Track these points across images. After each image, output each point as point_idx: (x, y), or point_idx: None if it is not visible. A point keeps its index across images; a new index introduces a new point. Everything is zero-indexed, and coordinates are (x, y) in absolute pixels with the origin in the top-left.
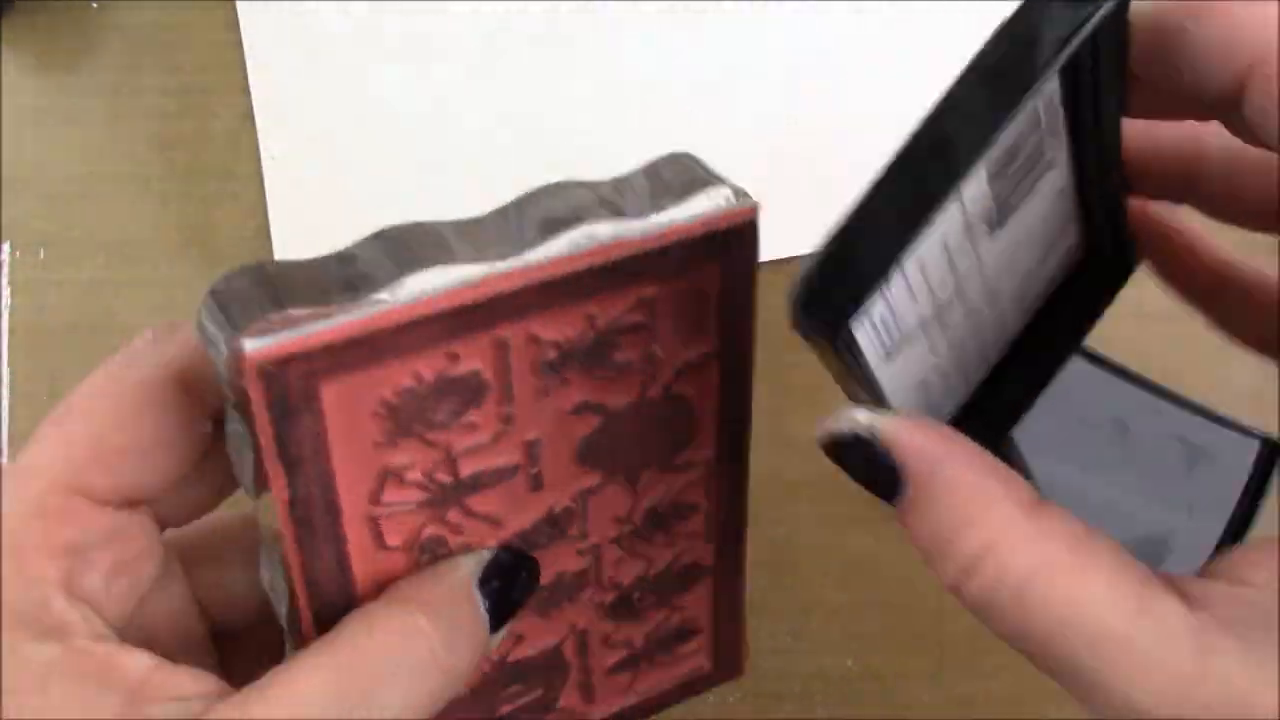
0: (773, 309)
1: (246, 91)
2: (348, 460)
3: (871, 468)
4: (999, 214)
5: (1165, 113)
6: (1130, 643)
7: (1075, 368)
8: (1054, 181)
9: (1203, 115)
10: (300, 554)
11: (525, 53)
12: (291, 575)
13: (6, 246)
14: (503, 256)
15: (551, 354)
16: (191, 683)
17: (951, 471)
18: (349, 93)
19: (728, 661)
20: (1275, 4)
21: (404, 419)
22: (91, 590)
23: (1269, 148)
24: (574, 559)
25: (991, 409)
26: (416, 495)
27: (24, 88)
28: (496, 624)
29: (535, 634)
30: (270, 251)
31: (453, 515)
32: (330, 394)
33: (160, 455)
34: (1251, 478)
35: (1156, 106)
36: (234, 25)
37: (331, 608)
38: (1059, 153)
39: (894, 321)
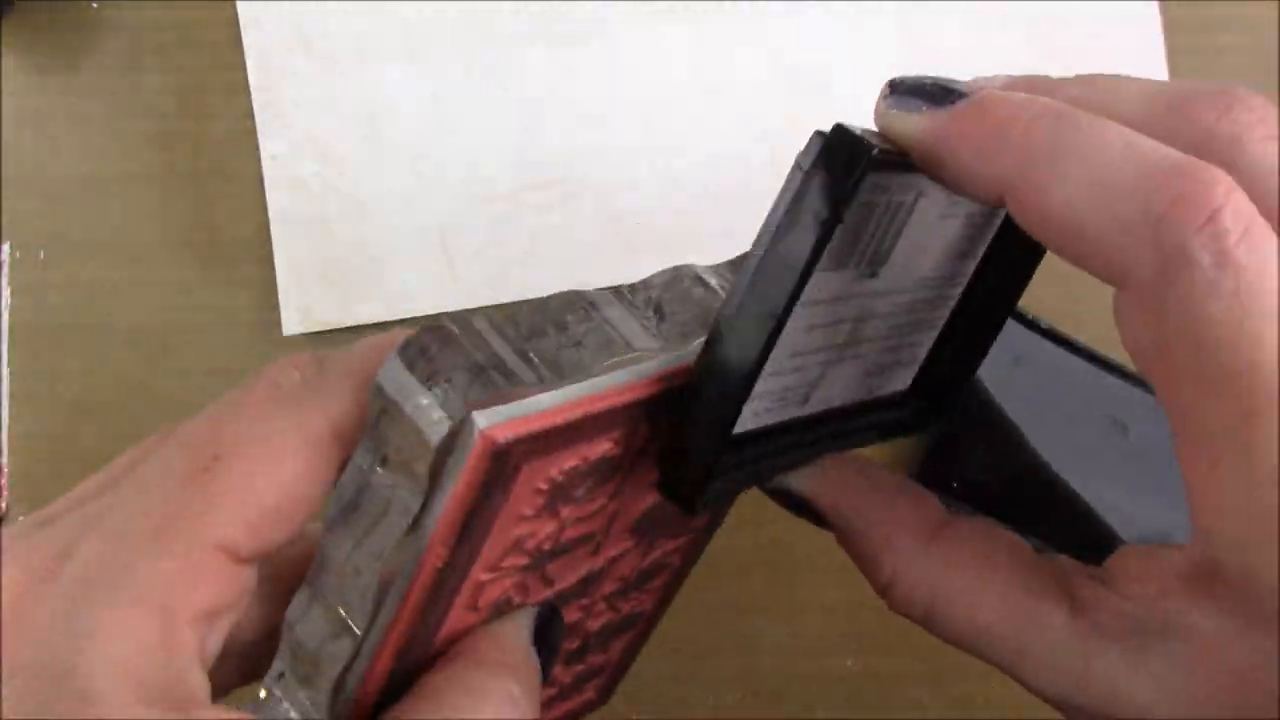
0: None
1: (246, 91)
2: (499, 531)
3: (807, 514)
4: (872, 263)
5: None
6: (1023, 652)
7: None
8: (934, 199)
9: None
10: (415, 618)
11: (525, 53)
12: (385, 636)
13: (6, 246)
14: (666, 349)
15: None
16: None
17: (857, 518)
18: (349, 92)
19: (606, 692)
20: (1016, 120)
21: (556, 496)
22: (210, 654)
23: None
24: (574, 613)
25: (953, 356)
26: (523, 562)
27: (24, 88)
28: (544, 678)
29: None
30: (270, 251)
31: (532, 579)
32: (525, 473)
33: (304, 512)
34: None
35: None
36: (234, 25)
37: (402, 669)
38: (925, 183)
39: (789, 391)
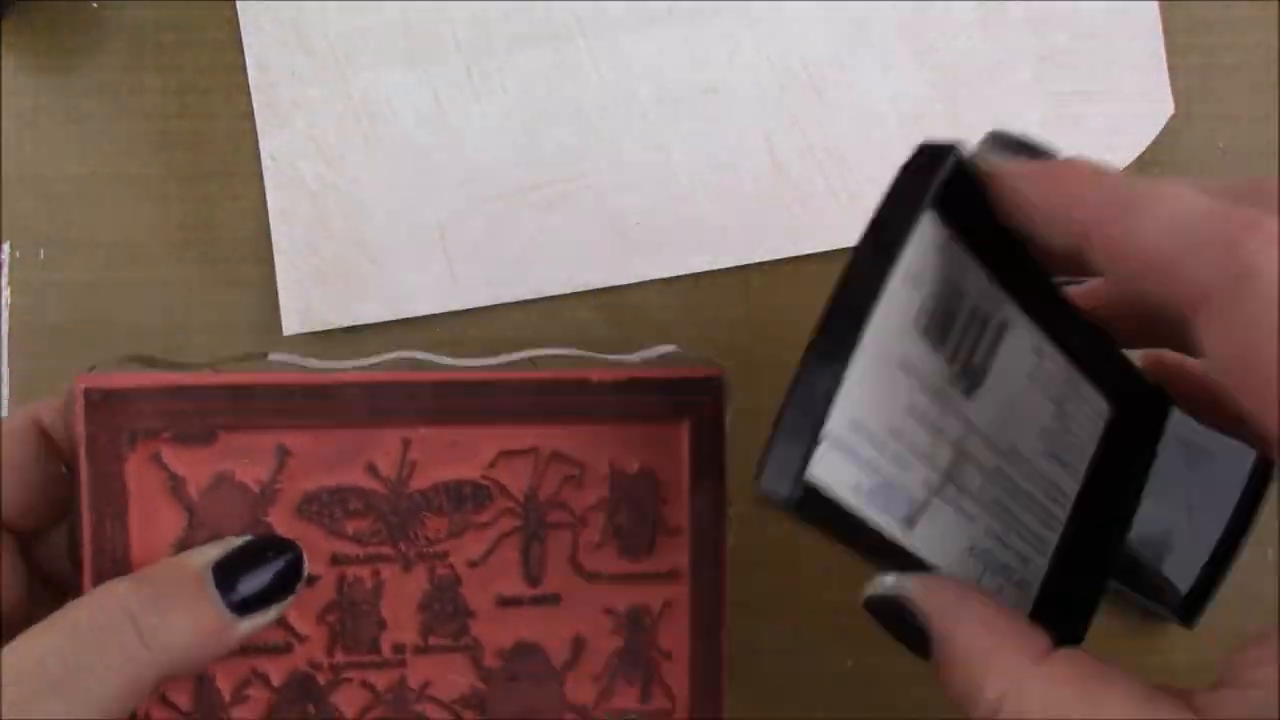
0: (774, 308)
1: (246, 91)
2: None
3: (906, 629)
4: (967, 376)
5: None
6: None
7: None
8: (1022, 340)
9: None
10: None
11: (525, 53)
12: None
13: (6, 246)
14: None
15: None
16: None
17: (967, 629)
18: (349, 92)
19: None
20: (1100, 174)
21: None
22: None
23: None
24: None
25: (1073, 580)
26: None
27: (24, 88)
28: (243, 608)
29: None
30: (270, 251)
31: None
32: None
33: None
34: (1251, 477)
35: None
36: (234, 25)
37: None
38: (1011, 314)
39: (892, 489)
